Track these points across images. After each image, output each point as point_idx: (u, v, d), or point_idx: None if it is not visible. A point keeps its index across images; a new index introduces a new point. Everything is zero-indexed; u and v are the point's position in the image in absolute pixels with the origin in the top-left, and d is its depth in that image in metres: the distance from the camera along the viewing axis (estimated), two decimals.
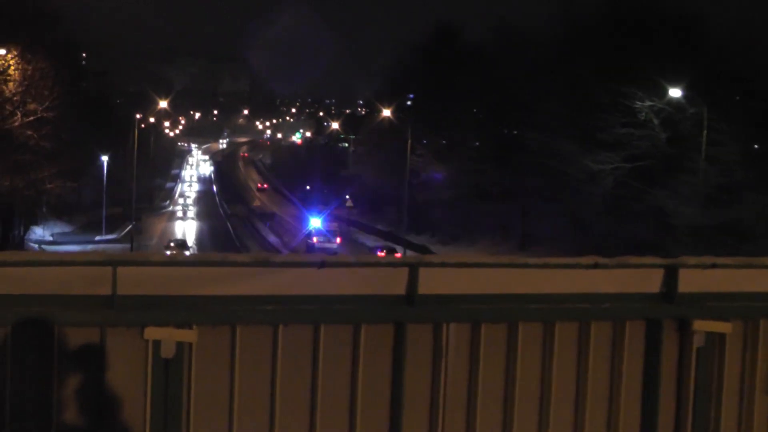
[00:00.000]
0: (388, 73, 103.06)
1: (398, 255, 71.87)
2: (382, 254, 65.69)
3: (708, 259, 6.93)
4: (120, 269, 5.62)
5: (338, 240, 77.00)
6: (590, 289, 6.57)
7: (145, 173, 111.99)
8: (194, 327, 5.76)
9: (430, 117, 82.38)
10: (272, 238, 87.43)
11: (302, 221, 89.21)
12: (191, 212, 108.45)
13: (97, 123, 77.94)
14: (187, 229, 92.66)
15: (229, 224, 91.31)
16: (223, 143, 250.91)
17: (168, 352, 5.74)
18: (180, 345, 5.76)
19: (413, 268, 6.18)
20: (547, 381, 6.55)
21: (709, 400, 6.93)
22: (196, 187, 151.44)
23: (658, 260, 6.89)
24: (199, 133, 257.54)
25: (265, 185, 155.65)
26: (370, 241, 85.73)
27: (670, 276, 6.75)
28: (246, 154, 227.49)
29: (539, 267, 6.53)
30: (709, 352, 6.91)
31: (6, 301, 5.47)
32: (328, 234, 77.94)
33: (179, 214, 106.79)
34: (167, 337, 5.70)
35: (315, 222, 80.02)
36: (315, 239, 76.40)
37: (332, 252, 69.29)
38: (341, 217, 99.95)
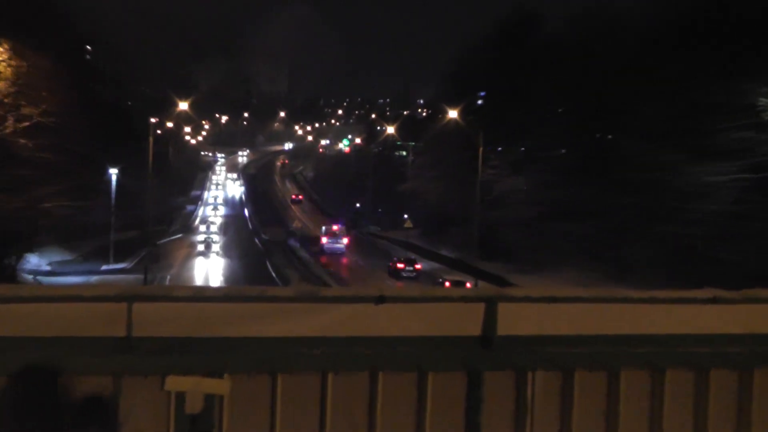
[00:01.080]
0: (454, 69, 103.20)
1: (418, 267, 78.24)
2: (401, 266, 77.97)
3: None
4: (136, 306, 5.62)
5: (346, 240, 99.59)
6: (709, 329, 6.46)
7: (164, 190, 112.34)
8: (226, 376, 5.74)
9: (505, 121, 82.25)
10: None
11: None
12: (216, 245, 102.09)
13: (111, 131, 78.63)
14: (211, 270, 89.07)
15: (269, 264, 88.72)
16: (243, 156, 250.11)
17: (194, 406, 5.72)
18: (209, 398, 5.73)
19: (491, 304, 6.12)
20: None
21: None
22: (222, 210, 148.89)
23: None
24: (227, 141, 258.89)
25: (300, 196, 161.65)
26: (428, 267, 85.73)
27: None
28: (286, 161, 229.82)
29: (645, 302, 6.44)
30: None
31: (3, 345, 5.48)
32: (336, 234, 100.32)
33: (200, 247, 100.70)
34: (193, 387, 5.68)
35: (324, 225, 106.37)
36: (324, 239, 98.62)
37: (340, 251, 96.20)
38: (398, 240, 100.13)
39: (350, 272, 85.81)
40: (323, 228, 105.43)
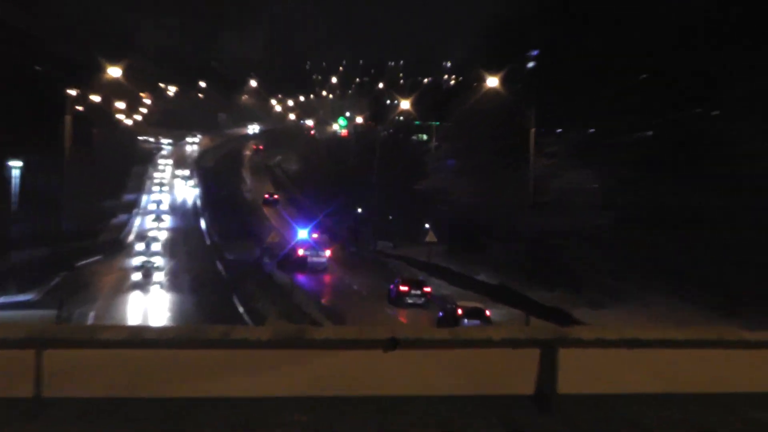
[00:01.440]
0: (496, 20, 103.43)
1: (427, 290, 79.18)
2: (406, 289, 78.59)
3: None
4: (48, 353, 5.60)
5: (328, 253, 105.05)
6: None
7: (88, 190, 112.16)
8: None
9: (568, 91, 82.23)
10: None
11: None
12: (159, 273, 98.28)
13: (12, 108, 78.62)
14: (152, 308, 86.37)
15: (236, 298, 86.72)
16: (193, 145, 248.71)
17: None
18: None
19: (548, 349, 6.11)
20: None
21: None
22: (168, 221, 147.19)
23: None
24: (175, 122, 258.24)
25: (275, 196, 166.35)
26: (452, 293, 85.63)
27: None
28: (260, 148, 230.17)
29: (765, 347, 6.43)
30: None
31: None
32: (316, 246, 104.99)
33: (136, 276, 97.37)
34: None
35: (302, 233, 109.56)
36: (301, 252, 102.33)
37: (322, 267, 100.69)
38: (418, 261, 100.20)
39: (334, 296, 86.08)
40: (298, 236, 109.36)
